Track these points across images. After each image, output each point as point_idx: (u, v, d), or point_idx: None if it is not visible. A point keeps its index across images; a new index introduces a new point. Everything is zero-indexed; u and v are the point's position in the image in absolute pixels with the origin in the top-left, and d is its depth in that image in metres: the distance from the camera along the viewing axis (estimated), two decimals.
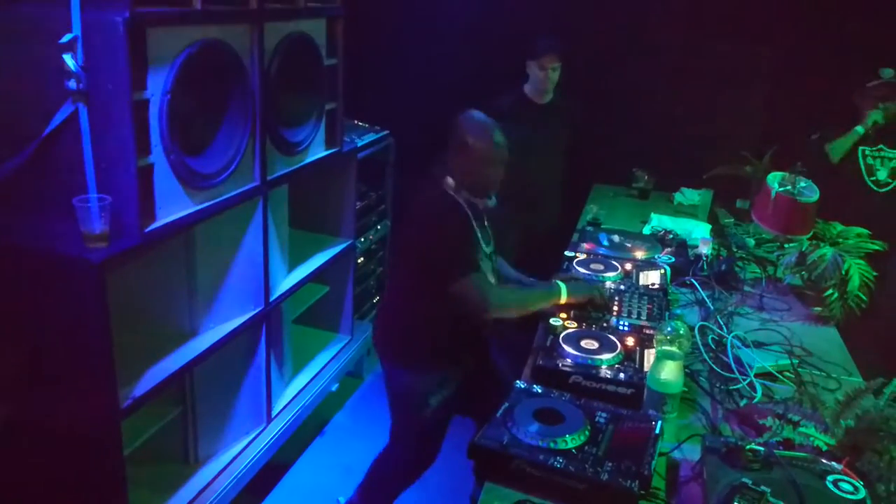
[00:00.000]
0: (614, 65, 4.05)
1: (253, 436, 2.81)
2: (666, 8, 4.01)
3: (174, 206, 2.14)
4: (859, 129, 3.45)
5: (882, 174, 3.49)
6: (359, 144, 3.53)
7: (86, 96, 1.89)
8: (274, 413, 2.93)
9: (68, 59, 1.84)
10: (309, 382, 3.22)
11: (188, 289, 2.49)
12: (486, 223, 2.37)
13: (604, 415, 1.77)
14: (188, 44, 2.05)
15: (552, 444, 1.63)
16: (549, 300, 2.24)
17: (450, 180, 2.23)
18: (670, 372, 1.81)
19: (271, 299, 2.74)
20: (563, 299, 2.24)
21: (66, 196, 1.92)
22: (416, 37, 4.36)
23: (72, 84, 1.86)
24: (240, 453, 2.73)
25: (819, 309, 2.53)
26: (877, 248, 2.56)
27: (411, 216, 2.29)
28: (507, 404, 1.78)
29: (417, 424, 2.41)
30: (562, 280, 2.31)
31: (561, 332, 2.13)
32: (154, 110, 1.99)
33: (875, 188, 3.50)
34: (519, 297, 2.26)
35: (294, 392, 3.12)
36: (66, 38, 1.83)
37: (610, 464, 1.59)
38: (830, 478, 1.53)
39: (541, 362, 2.00)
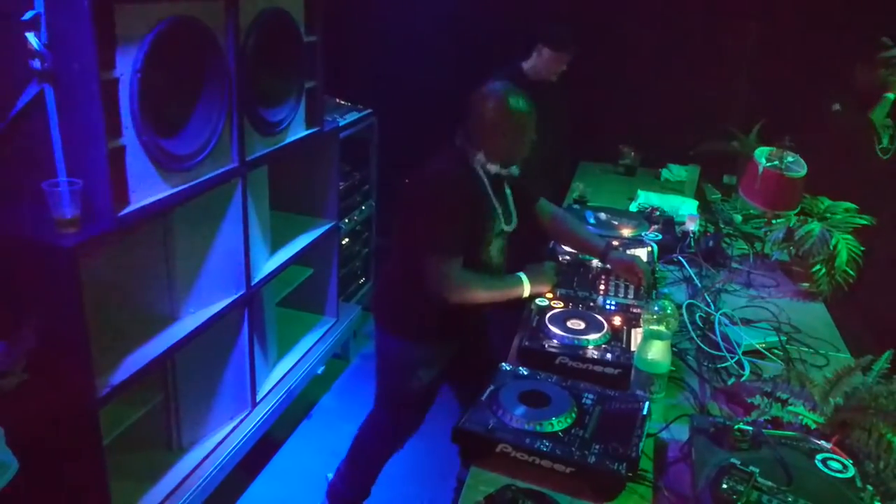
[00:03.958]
0: (600, 39, 3.98)
1: (237, 421, 2.78)
2: None
3: (149, 189, 2.08)
4: (890, 95, 3.42)
5: (885, 140, 3.48)
6: (341, 124, 3.46)
7: (52, 76, 1.82)
8: (259, 397, 2.89)
9: (31, 38, 1.77)
10: (294, 366, 3.18)
11: (167, 273, 2.44)
12: (510, 198, 2.29)
13: (591, 396, 1.74)
14: (158, 20, 1.98)
15: (538, 428, 1.60)
16: (513, 292, 2.21)
17: (476, 153, 2.16)
18: (658, 352, 1.79)
19: (253, 283, 2.69)
20: (526, 293, 2.21)
21: (35, 180, 1.86)
22: (399, 12, 4.28)
23: (36, 64, 1.79)
24: (224, 439, 2.70)
25: (807, 285, 2.52)
26: (865, 222, 2.54)
27: (417, 179, 2.22)
28: (492, 387, 1.75)
29: (403, 394, 2.39)
30: (527, 271, 2.26)
31: (547, 313, 2.11)
32: (124, 90, 1.92)
33: (881, 155, 3.50)
34: (483, 287, 2.19)
35: (279, 376, 3.08)
36: (28, 16, 1.76)
37: (597, 446, 1.56)
38: (819, 456, 1.51)
39: (526, 343, 1.97)
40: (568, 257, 2.52)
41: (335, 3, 2.99)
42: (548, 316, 2.08)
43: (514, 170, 2.21)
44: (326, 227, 3.34)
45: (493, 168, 2.16)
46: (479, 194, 2.17)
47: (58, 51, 1.80)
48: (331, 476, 2.66)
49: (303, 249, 3.11)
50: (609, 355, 1.92)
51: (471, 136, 2.16)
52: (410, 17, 4.23)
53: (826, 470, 1.48)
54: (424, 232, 2.13)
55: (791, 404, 1.70)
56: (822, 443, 1.56)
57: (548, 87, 3.41)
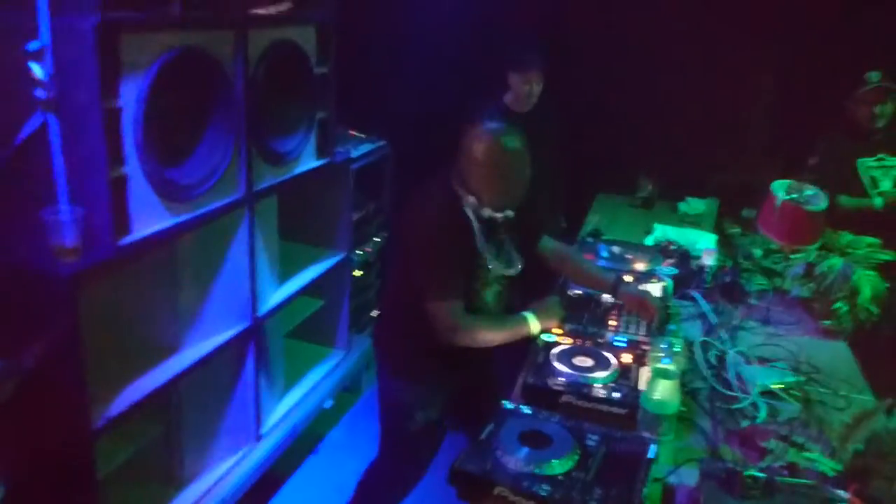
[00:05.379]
0: (622, 70, 3.95)
1: (241, 454, 2.72)
2: (670, 9, 3.90)
3: (151, 218, 2.07)
4: (878, 200, 3.30)
5: (886, 184, 3.32)
6: (354, 155, 3.45)
7: (56, 105, 1.83)
8: (264, 431, 2.84)
9: (36, 68, 1.78)
10: (301, 399, 3.12)
11: (171, 303, 2.42)
12: (505, 241, 2.19)
13: (595, 437, 1.67)
14: (165, 50, 1.99)
15: (538, 470, 1.53)
16: (520, 331, 2.13)
17: (468, 196, 2.07)
18: (665, 391, 1.71)
19: (259, 314, 2.66)
20: (535, 330, 2.13)
21: (36, 208, 1.86)
22: (415, 44, 4.29)
23: (41, 93, 1.80)
24: (227, 472, 2.64)
25: (828, 322, 2.42)
26: (888, 258, 2.46)
27: (408, 219, 2.17)
28: (492, 426, 1.69)
29: (402, 437, 2.31)
30: (532, 308, 2.18)
31: (553, 349, 2.04)
32: (128, 119, 1.92)
33: (876, 205, 3.34)
34: (490, 328, 2.12)
35: (286, 409, 3.03)
36: (34, 46, 1.77)
37: (599, 491, 1.49)
38: None
39: (530, 380, 1.91)
40: (579, 291, 2.46)
41: (350, 35, 2.99)
42: (554, 352, 2.02)
43: (509, 213, 2.12)
44: (338, 258, 3.31)
45: (486, 212, 2.07)
46: (466, 239, 2.07)
47: (62, 80, 1.81)
48: None
49: (313, 281, 3.08)
50: (616, 394, 1.85)
51: (463, 179, 2.07)
52: (426, 49, 4.24)
53: None
54: (421, 278, 2.07)
55: (807, 449, 1.62)
56: (840, 492, 1.47)
57: (536, 114, 3.33)
